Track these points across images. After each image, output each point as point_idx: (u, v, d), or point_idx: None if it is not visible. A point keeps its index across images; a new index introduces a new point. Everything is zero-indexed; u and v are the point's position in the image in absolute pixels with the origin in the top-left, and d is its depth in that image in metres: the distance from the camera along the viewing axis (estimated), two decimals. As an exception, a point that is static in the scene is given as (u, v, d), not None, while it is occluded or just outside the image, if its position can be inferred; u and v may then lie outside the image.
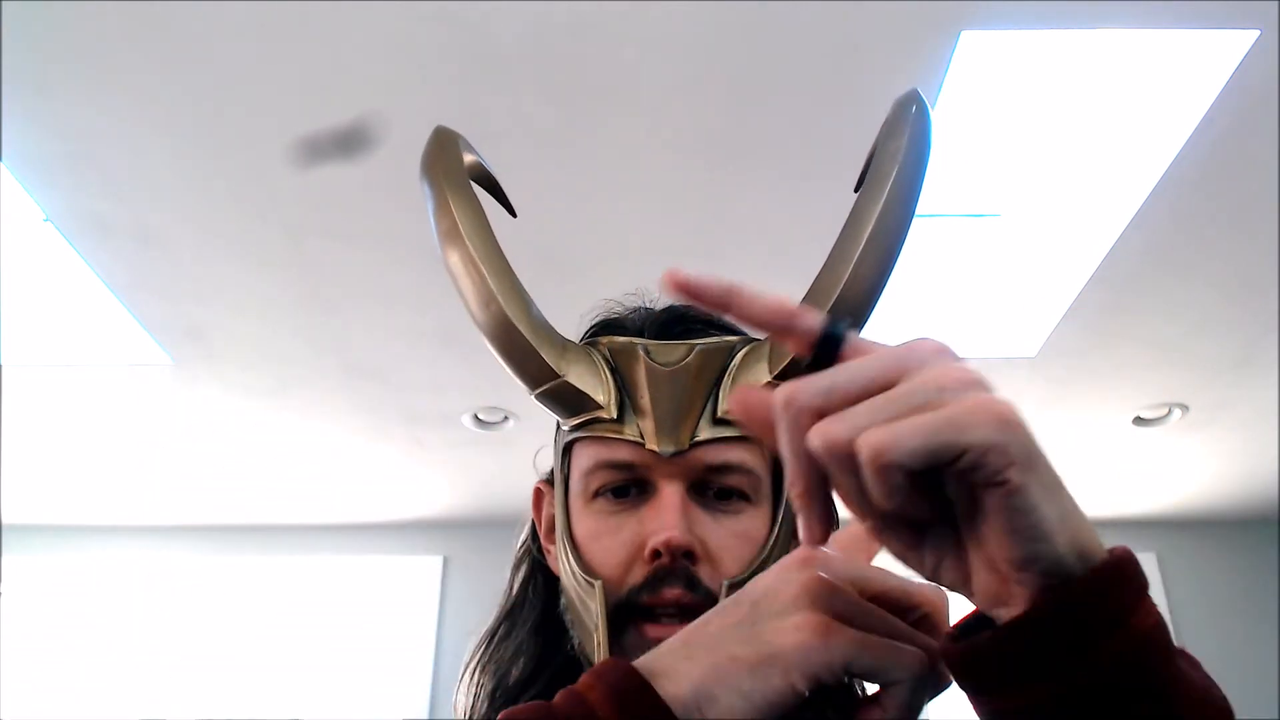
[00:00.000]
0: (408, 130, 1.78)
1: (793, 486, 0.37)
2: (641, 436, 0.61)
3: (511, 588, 0.73)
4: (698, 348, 0.62)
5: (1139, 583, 0.35)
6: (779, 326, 0.40)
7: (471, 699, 0.70)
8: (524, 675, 0.68)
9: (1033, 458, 0.34)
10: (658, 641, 0.53)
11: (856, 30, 1.61)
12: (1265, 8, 1.55)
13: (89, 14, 1.56)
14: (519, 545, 0.75)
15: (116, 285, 2.27)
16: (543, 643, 0.68)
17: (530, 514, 0.73)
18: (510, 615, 0.72)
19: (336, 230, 2.09)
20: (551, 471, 0.72)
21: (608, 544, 0.61)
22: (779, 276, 2.19)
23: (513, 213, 0.86)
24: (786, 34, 1.62)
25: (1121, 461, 3.14)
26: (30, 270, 2.30)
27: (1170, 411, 2.83)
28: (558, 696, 0.42)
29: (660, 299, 0.72)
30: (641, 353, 0.62)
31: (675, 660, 0.42)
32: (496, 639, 0.71)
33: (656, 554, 0.58)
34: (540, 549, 0.71)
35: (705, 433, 0.60)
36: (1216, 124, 1.78)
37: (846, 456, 0.34)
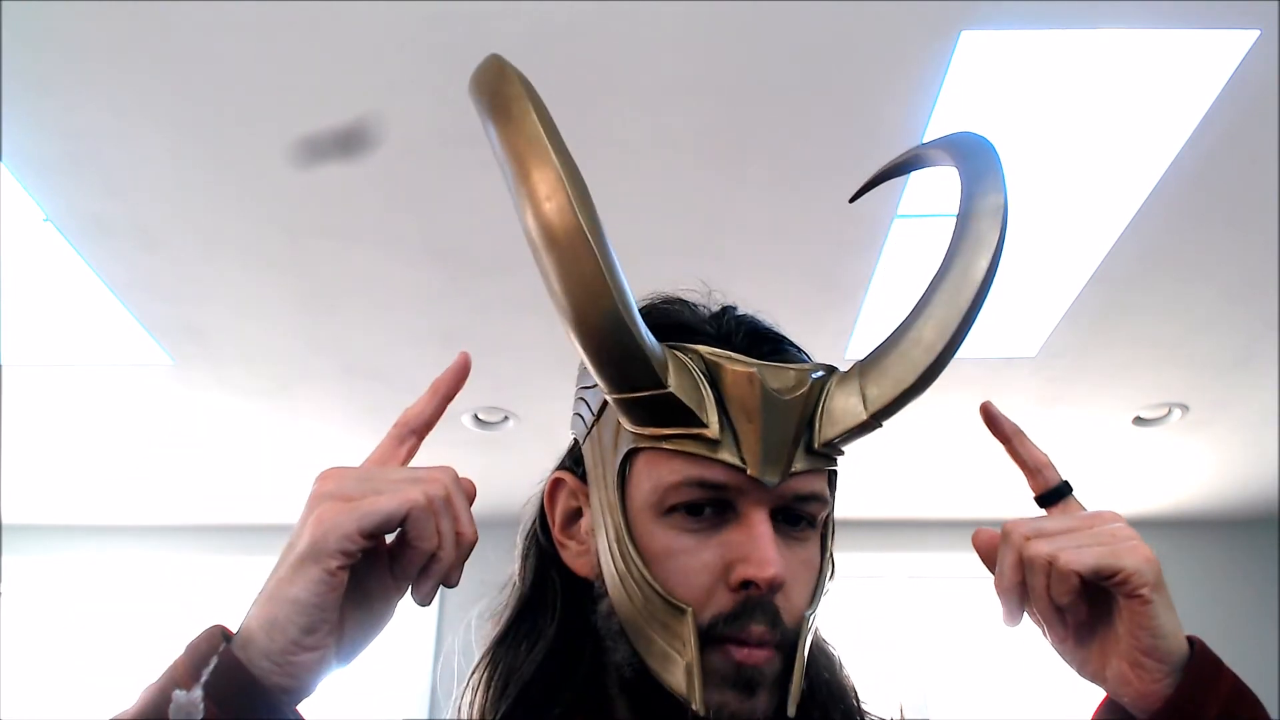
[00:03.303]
0: (408, 130, 1.78)
1: (999, 581, 0.57)
2: (743, 461, 0.58)
3: (524, 583, 0.70)
4: (811, 378, 0.61)
5: (1216, 659, 0.55)
6: (1033, 470, 0.63)
7: (480, 709, 0.67)
8: (546, 687, 0.65)
9: (1161, 584, 0.54)
10: (740, 664, 0.59)
11: (856, 30, 1.61)
12: (1265, 8, 1.55)
13: (89, 14, 1.56)
14: (524, 534, 0.72)
15: (116, 285, 2.27)
16: (566, 650, 0.66)
17: (540, 501, 0.70)
18: (527, 616, 0.69)
19: (336, 230, 2.09)
20: (573, 461, 0.69)
21: (687, 565, 0.59)
22: (779, 276, 2.19)
23: None
24: (786, 34, 1.62)
25: (1121, 461, 3.14)
26: (30, 270, 2.29)
27: (1170, 411, 2.83)
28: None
29: (719, 299, 0.70)
30: (759, 376, 0.59)
31: (251, 610, 0.50)
32: (510, 640, 0.68)
33: (744, 584, 0.57)
34: (551, 540, 0.68)
35: (801, 463, 0.60)
36: (1216, 124, 1.78)
37: (1045, 564, 0.54)
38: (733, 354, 0.61)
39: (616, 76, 1.70)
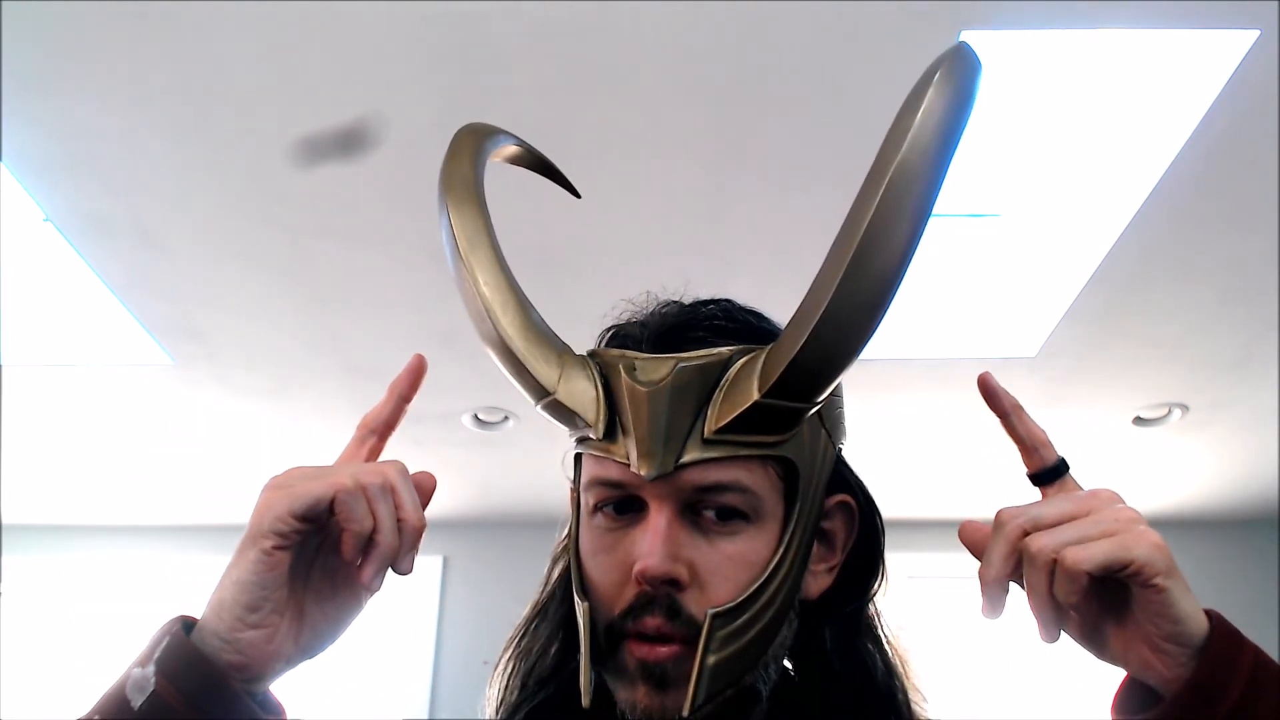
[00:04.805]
0: (408, 130, 1.78)
1: (986, 571, 0.52)
2: (628, 458, 0.58)
3: (548, 580, 0.73)
4: (680, 365, 0.58)
5: (1236, 632, 0.53)
6: (1030, 447, 0.59)
7: (502, 686, 0.71)
8: (548, 670, 0.69)
9: (1173, 569, 0.52)
10: (642, 661, 0.58)
11: (856, 30, 1.61)
12: (1265, 8, 1.55)
13: (89, 14, 1.56)
14: (559, 540, 0.75)
15: (116, 285, 2.27)
16: (568, 635, 0.69)
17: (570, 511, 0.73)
18: (543, 608, 0.72)
19: (336, 231, 2.09)
20: None
21: (603, 562, 0.61)
22: (779, 277, 2.18)
23: (575, 193, 0.85)
24: (786, 34, 1.62)
25: (1121, 461, 3.14)
26: (30, 270, 2.30)
27: (1170, 411, 2.83)
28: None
29: (675, 299, 0.68)
30: (623, 370, 0.59)
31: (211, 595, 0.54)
32: (530, 629, 0.72)
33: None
34: None
35: (693, 453, 0.57)
36: (1216, 124, 1.78)
37: (1048, 562, 0.50)
38: (625, 351, 0.62)
39: (616, 76, 1.70)
